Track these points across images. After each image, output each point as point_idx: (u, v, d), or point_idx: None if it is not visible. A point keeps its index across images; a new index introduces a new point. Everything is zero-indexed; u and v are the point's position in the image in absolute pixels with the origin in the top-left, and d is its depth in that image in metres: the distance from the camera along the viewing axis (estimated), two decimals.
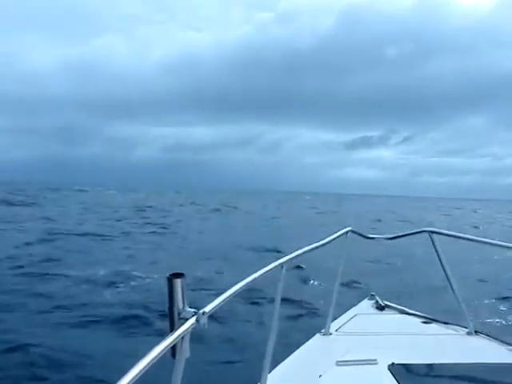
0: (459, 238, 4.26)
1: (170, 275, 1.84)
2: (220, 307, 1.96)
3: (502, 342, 3.71)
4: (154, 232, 23.19)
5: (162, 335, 1.66)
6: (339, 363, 3.13)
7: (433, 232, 4.03)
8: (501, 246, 4.14)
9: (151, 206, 44.06)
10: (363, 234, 4.47)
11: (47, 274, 11.88)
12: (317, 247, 3.46)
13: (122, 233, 22.08)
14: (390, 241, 4.60)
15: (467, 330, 4.00)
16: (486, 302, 10.35)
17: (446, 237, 4.13)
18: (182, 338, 1.73)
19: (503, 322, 8.47)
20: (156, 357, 1.51)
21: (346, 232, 4.02)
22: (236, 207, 51.46)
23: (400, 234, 4.71)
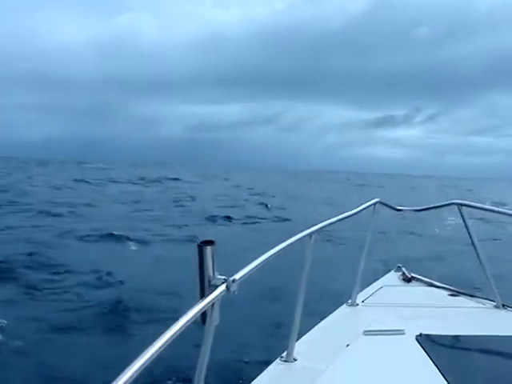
0: (489, 210, 4.20)
1: (201, 242, 1.86)
2: (249, 275, 1.98)
3: None
4: None
5: None
6: (366, 333, 3.14)
7: (462, 205, 3.97)
8: None
9: None
10: (391, 205, 4.43)
11: None
12: (345, 218, 3.46)
13: None
14: (418, 213, 4.57)
15: (494, 303, 3.97)
16: None
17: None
18: (212, 305, 1.75)
19: None
20: (186, 323, 1.53)
21: (374, 203, 4.00)
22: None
23: (428, 206, 4.66)
